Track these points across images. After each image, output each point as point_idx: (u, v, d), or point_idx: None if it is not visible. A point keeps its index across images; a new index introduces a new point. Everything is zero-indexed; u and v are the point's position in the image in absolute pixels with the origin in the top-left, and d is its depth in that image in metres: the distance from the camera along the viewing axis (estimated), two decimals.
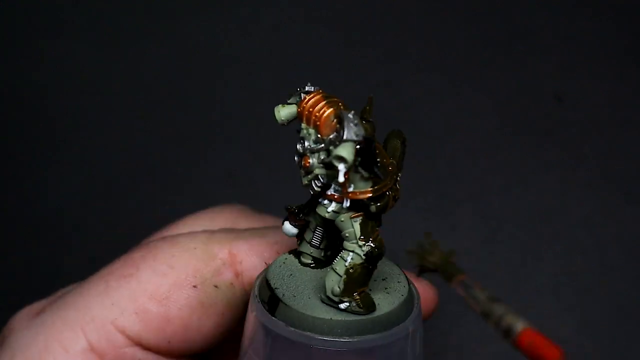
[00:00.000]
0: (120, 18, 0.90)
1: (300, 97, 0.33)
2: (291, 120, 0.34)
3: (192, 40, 0.89)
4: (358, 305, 0.33)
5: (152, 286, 0.41)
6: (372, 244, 0.32)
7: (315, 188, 0.33)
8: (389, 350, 0.33)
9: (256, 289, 0.35)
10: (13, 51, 0.89)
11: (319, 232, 0.35)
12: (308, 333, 0.33)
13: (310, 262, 0.36)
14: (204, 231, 0.44)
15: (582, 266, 0.76)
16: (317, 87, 0.34)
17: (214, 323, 0.42)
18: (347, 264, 0.32)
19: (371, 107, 0.34)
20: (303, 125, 0.33)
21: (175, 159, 0.83)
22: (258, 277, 0.37)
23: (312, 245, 0.36)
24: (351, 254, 0.32)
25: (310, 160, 0.33)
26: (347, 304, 0.33)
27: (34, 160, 0.84)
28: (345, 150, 0.30)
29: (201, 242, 0.43)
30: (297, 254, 0.36)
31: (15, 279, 0.78)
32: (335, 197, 0.33)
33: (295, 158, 0.33)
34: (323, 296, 0.33)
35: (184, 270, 0.41)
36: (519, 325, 0.26)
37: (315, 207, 0.34)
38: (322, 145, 0.32)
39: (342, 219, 0.33)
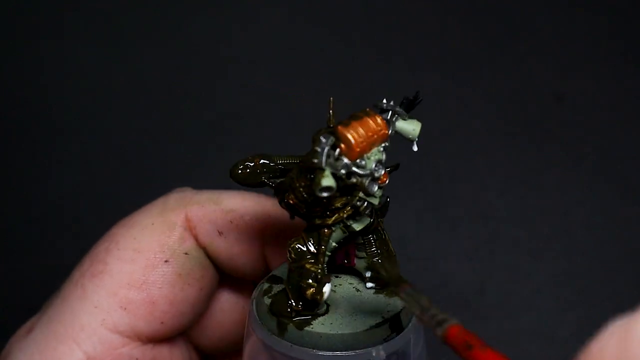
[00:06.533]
0: (120, 18, 0.90)
1: (327, 156, 0.31)
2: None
3: (192, 40, 0.89)
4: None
5: (125, 276, 0.41)
6: None
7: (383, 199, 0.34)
8: None
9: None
10: (13, 51, 0.89)
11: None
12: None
13: None
14: (157, 201, 0.43)
15: (582, 266, 0.76)
16: (332, 138, 0.32)
17: (197, 288, 0.42)
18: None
19: (333, 110, 0.34)
20: (370, 154, 0.32)
21: (175, 159, 0.83)
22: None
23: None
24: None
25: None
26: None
27: (34, 159, 0.84)
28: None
29: (157, 214, 0.42)
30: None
31: (15, 278, 0.78)
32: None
33: (373, 187, 0.32)
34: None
35: (150, 249, 0.41)
36: (451, 321, 0.28)
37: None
38: (384, 149, 0.33)
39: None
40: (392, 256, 0.36)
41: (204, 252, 0.43)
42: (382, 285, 0.36)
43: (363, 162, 0.32)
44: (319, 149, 0.31)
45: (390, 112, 0.33)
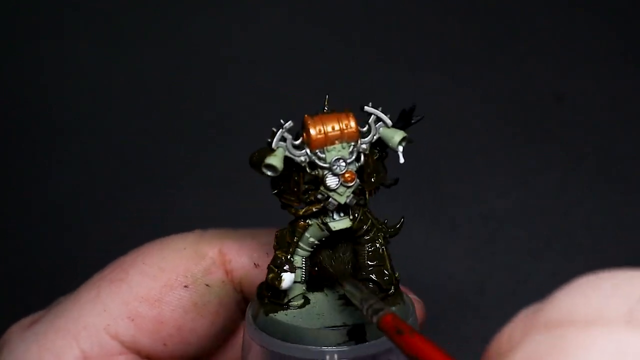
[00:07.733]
0: (120, 18, 0.90)
1: (284, 139, 0.33)
2: None
3: (192, 40, 0.89)
4: None
5: (143, 289, 0.41)
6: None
7: (353, 199, 0.34)
8: None
9: None
10: (13, 51, 0.89)
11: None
12: None
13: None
14: (195, 232, 0.43)
15: (582, 266, 0.76)
16: (290, 122, 0.33)
17: (209, 322, 0.42)
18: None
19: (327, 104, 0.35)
20: (333, 147, 0.33)
21: (175, 159, 0.83)
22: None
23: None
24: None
25: (353, 170, 0.34)
26: None
27: (34, 159, 0.84)
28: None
29: (191, 242, 0.42)
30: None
31: (15, 278, 0.78)
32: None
33: (332, 182, 0.33)
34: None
35: (174, 271, 0.41)
36: (386, 310, 0.30)
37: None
38: (355, 149, 0.34)
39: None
40: (382, 272, 0.36)
41: (230, 290, 0.42)
42: (328, 278, 0.36)
43: (323, 155, 0.33)
44: (274, 129, 0.33)
45: (373, 117, 0.34)
